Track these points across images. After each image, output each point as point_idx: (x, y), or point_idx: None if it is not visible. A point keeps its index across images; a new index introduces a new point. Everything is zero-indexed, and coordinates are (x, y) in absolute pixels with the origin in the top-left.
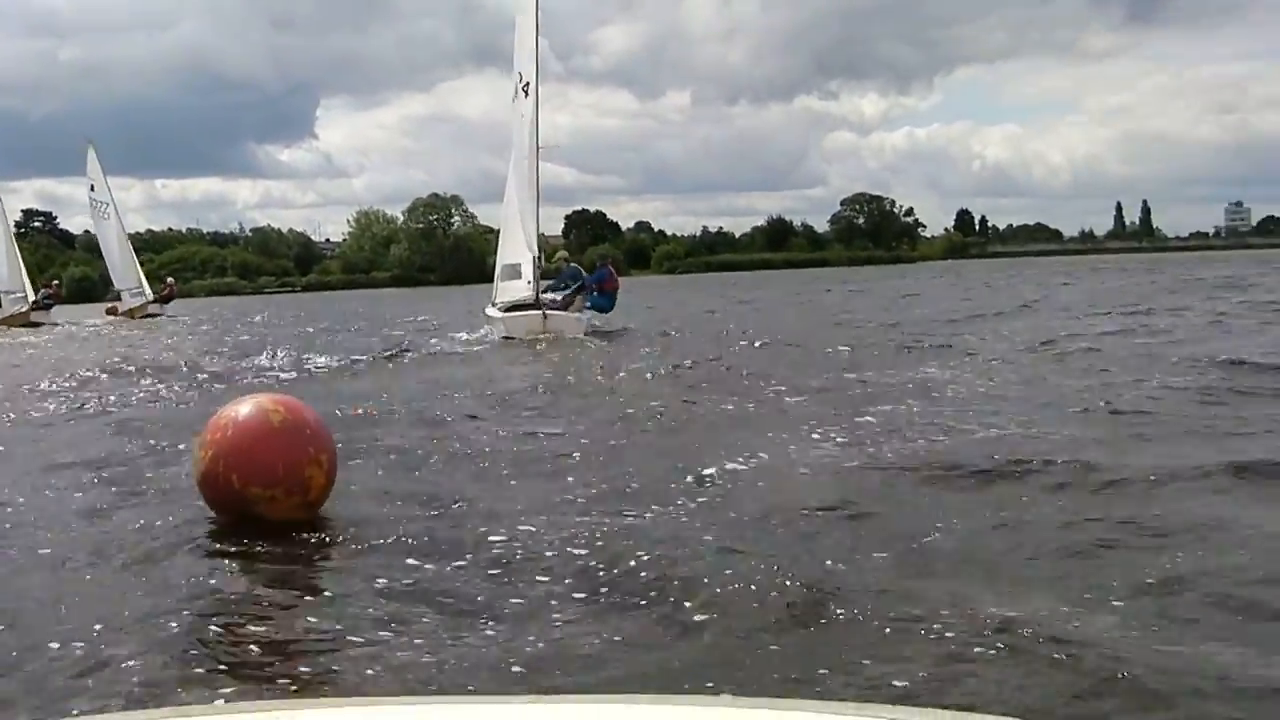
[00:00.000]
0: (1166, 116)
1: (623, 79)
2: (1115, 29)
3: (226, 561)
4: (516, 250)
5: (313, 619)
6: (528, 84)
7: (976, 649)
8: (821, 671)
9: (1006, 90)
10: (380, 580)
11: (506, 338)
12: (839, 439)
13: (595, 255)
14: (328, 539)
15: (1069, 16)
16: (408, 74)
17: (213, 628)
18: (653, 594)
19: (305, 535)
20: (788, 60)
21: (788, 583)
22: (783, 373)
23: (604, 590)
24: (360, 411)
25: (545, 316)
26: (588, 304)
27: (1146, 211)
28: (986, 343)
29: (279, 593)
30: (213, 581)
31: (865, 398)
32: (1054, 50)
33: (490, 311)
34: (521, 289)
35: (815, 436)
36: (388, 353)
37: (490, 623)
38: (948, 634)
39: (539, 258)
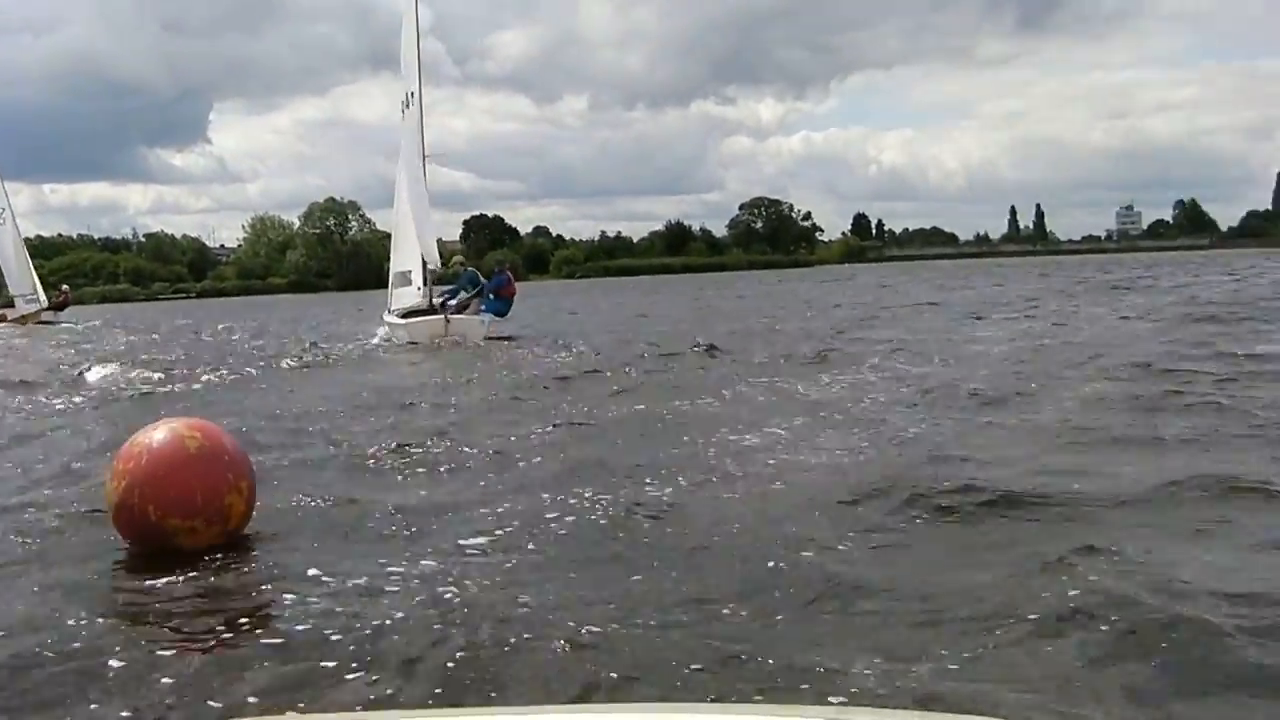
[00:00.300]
0: (1059, 122)
1: (520, 84)
2: (1008, 36)
3: (133, 592)
4: (407, 258)
5: (228, 647)
6: (412, 94)
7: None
8: None
9: (902, 95)
10: (289, 598)
11: (411, 343)
12: (751, 440)
13: (493, 261)
14: (244, 564)
15: (962, 23)
16: (302, 78)
17: (119, 662)
18: (556, 632)
19: (220, 560)
20: (685, 65)
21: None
22: (686, 380)
23: (513, 610)
24: (264, 424)
25: (448, 321)
26: (483, 307)
27: (1040, 215)
28: (894, 348)
29: (193, 622)
30: (120, 613)
31: (769, 408)
32: (948, 56)
33: (388, 318)
34: (413, 296)
35: (731, 438)
36: (288, 361)
37: (406, 642)
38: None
39: (430, 265)
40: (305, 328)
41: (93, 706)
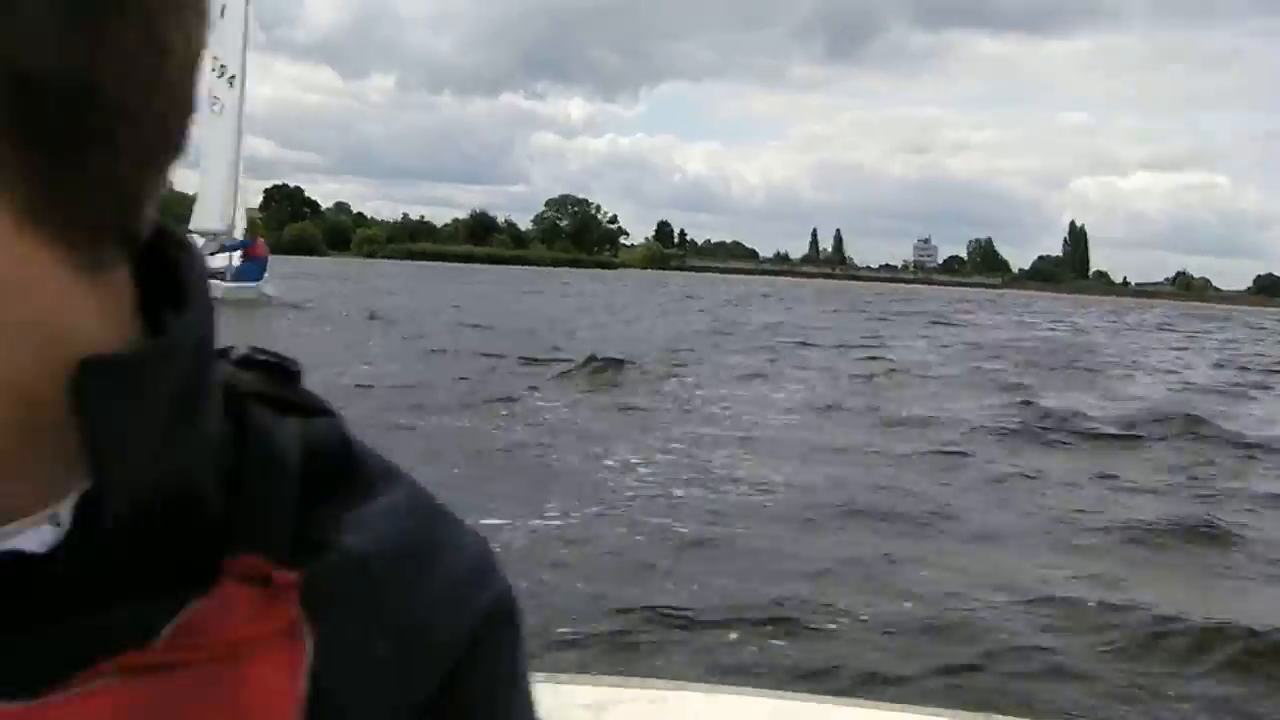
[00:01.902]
0: (862, 150)
1: (327, 55)
2: (817, 63)
3: None
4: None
5: None
6: (233, 76)
7: None
8: None
9: (710, 108)
10: None
11: None
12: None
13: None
14: None
15: (773, 45)
16: None
17: None
18: None
19: None
20: (496, 55)
21: None
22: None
23: None
24: None
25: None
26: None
27: (839, 239)
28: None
29: None
30: None
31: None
32: (759, 75)
33: None
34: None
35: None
36: None
37: None
38: None
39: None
40: None
41: None
